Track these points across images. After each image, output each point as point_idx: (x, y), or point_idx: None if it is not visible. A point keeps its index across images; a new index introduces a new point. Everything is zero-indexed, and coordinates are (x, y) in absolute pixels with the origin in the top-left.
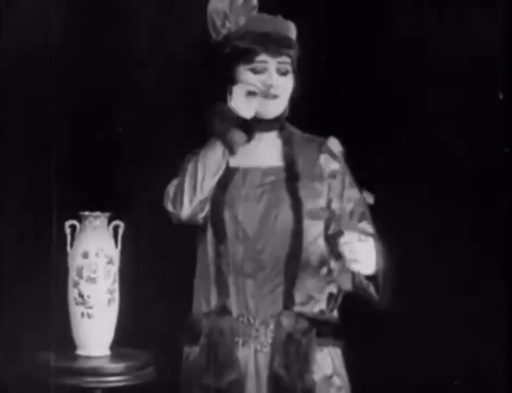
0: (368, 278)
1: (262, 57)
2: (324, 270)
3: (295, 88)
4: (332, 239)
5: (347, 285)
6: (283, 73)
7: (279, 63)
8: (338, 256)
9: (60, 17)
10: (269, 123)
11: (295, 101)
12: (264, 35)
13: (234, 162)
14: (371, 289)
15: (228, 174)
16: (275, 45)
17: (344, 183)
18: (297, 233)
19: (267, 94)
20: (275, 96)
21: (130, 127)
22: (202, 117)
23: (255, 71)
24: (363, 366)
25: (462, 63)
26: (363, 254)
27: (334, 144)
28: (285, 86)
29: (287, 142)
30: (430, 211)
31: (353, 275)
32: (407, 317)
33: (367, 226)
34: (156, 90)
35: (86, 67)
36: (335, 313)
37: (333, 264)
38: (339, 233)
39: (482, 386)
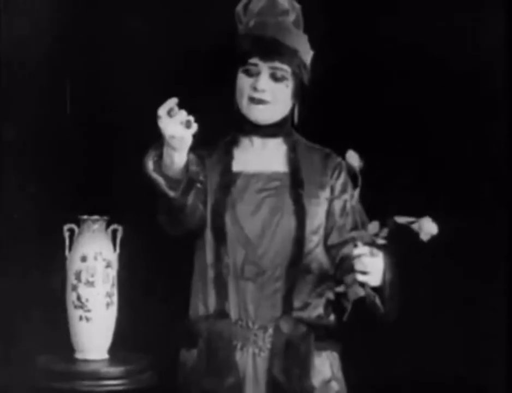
0: (375, 289)
1: (254, 60)
2: (341, 288)
3: (299, 96)
4: (334, 249)
5: (361, 294)
6: (277, 79)
7: (271, 68)
8: (339, 266)
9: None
10: (270, 129)
11: (305, 110)
12: (258, 39)
13: (237, 166)
14: (378, 301)
15: (231, 178)
16: (266, 49)
17: (352, 197)
18: (299, 240)
19: (251, 97)
20: (262, 101)
21: (131, 129)
22: (203, 119)
23: (248, 73)
24: (361, 370)
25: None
26: (372, 266)
27: (353, 158)
28: (278, 92)
29: (292, 149)
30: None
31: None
32: (404, 321)
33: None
34: (157, 92)
35: (86, 67)
36: (332, 317)
37: (347, 279)
38: (352, 245)
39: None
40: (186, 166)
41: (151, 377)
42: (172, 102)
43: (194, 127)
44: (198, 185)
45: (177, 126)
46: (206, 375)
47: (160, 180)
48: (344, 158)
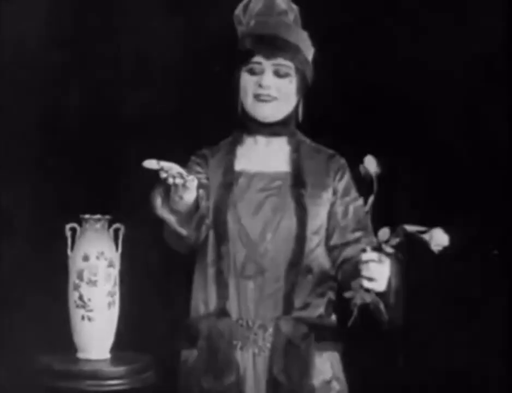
0: (379, 295)
1: (257, 58)
2: (350, 294)
3: (302, 92)
4: (336, 250)
5: (367, 299)
6: (281, 75)
7: (275, 65)
8: (340, 267)
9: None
10: (274, 127)
11: (309, 108)
12: (260, 37)
13: (240, 165)
14: (382, 307)
15: (233, 177)
16: (268, 46)
17: (356, 199)
18: (300, 239)
19: (256, 94)
20: (268, 97)
21: (131, 128)
22: (205, 119)
23: (251, 72)
24: (362, 370)
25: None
26: (378, 273)
27: (370, 163)
28: (283, 88)
29: (296, 150)
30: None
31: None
32: (405, 321)
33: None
34: (158, 92)
35: (86, 67)
36: (333, 318)
37: (354, 284)
38: (355, 247)
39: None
40: (197, 201)
41: (153, 377)
42: (153, 164)
43: (191, 179)
44: (207, 221)
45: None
46: (206, 374)
47: (171, 218)
48: (351, 162)
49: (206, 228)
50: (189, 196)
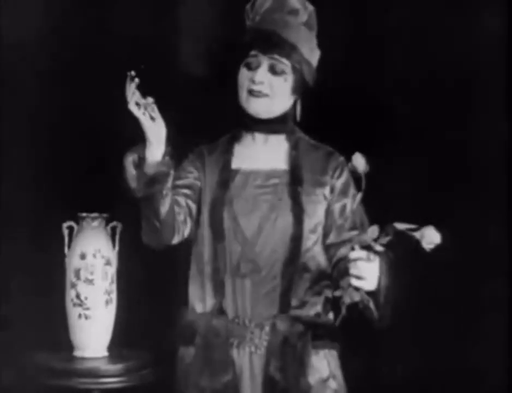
0: (370, 294)
1: (254, 51)
2: (339, 292)
3: (299, 92)
4: (332, 248)
5: (356, 298)
6: (277, 72)
7: (271, 59)
8: (336, 266)
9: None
10: (271, 125)
11: (306, 105)
12: (258, 31)
13: (237, 163)
14: (372, 306)
15: (230, 175)
16: (264, 40)
17: (354, 199)
18: (296, 238)
19: (249, 89)
20: (260, 93)
21: (131, 125)
22: (203, 117)
23: (248, 67)
24: (360, 368)
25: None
26: (367, 272)
27: (358, 161)
28: (276, 85)
29: (294, 147)
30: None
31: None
32: (403, 319)
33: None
34: (157, 90)
35: (85, 66)
36: (330, 316)
37: (343, 283)
38: (349, 248)
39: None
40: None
41: (150, 374)
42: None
43: (158, 119)
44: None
45: (144, 116)
46: (203, 372)
47: (132, 170)
48: (350, 159)
49: (172, 209)
50: (152, 155)
